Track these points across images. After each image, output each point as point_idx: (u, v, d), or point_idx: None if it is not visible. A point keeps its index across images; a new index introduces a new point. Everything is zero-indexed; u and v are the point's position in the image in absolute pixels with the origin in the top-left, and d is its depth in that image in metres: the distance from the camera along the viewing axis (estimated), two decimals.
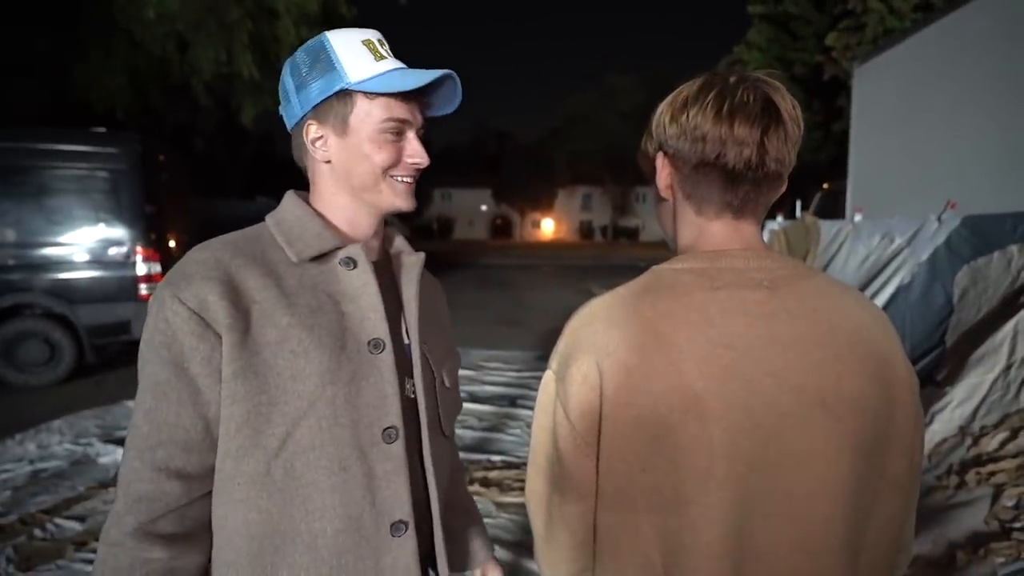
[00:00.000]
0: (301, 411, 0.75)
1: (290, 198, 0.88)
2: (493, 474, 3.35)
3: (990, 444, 2.70)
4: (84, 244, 5.36)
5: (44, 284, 5.30)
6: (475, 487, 3.15)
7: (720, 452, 0.66)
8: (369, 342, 0.81)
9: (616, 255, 29.06)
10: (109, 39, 8.44)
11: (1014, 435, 2.66)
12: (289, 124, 0.87)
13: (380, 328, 0.81)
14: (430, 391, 0.89)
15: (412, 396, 0.86)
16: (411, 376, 0.86)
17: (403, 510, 0.80)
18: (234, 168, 20.90)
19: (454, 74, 0.83)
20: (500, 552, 2.55)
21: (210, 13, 7.71)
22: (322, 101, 0.82)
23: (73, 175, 5.34)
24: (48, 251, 5.31)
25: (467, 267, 19.73)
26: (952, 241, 3.86)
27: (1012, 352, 3.00)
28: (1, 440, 3.90)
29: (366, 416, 0.79)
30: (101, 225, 5.40)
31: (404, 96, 0.81)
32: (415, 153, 0.84)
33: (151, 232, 5.52)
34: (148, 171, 5.57)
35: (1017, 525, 2.27)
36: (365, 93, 0.80)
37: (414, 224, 51.21)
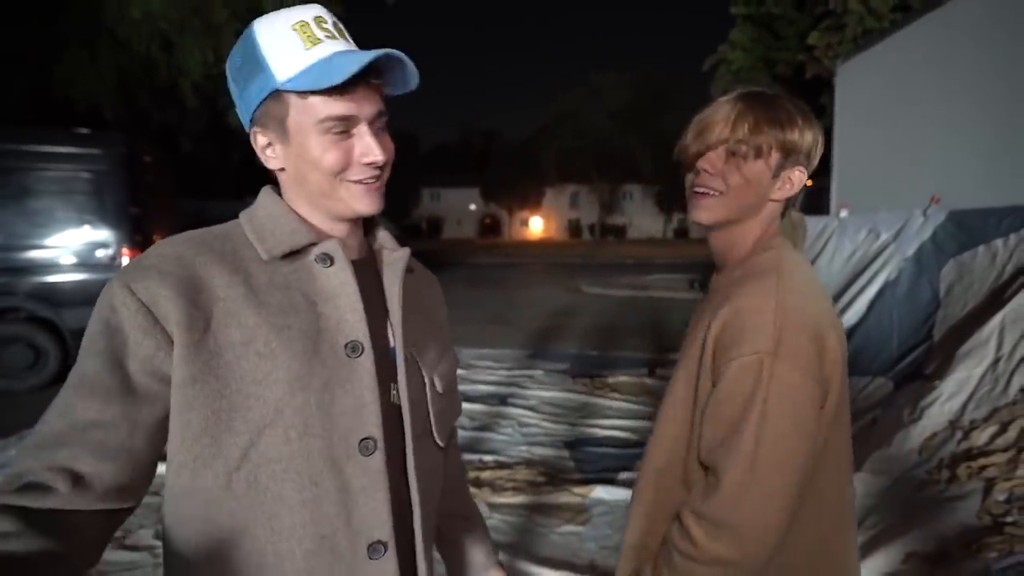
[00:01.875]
0: (267, 419, 0.68)
1: (265, 194, 0.81)
2: (486, 474, 3.30)
3: (980, 438, 2.69)
4: (69, 247, 5.25)
5: (28, 288, 5.18)
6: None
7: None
8: (346, 345, 0.73)
9: (604, 253, 29.13)
10: (93, 38, 8.26)
11: (1004, 429, 2.66)
12: (247, 131, 0.78)
13: (359, 330, 0.74)
14: (418, 397, 0.81)
15: (397, 403, 0.78)
16: (396, 381, 0.78)
17: (382, 530, 0.72)
18: (223, 169, 20.65)
19: (393, 52, 0.71)
20: None
21: (195, 14, 7.57)
22: (259, 106, 0.73)
23: (56, 176, 5.22)
24: (32, 254, 5.18)
25: (456, 266, 19.65)
26: (938, 236, 3.87)
27: (1000, 346, 3.00)
28: None
29: (341, 426, 0.71)
30: (86, 227, 5.28)
31: (344, 88, 0.69)
32: (367, 150, 0.73)
33: (137, 234, 5.41)
34: (133, 172, 5.46)
35: (1009, 519, 2.26)
36: (298, 92, 0.70)
37: (403, 224, 51.01)
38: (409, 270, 0.86)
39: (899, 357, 3.70)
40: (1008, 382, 2.84)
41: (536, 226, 54.24)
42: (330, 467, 0.70)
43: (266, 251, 0.74)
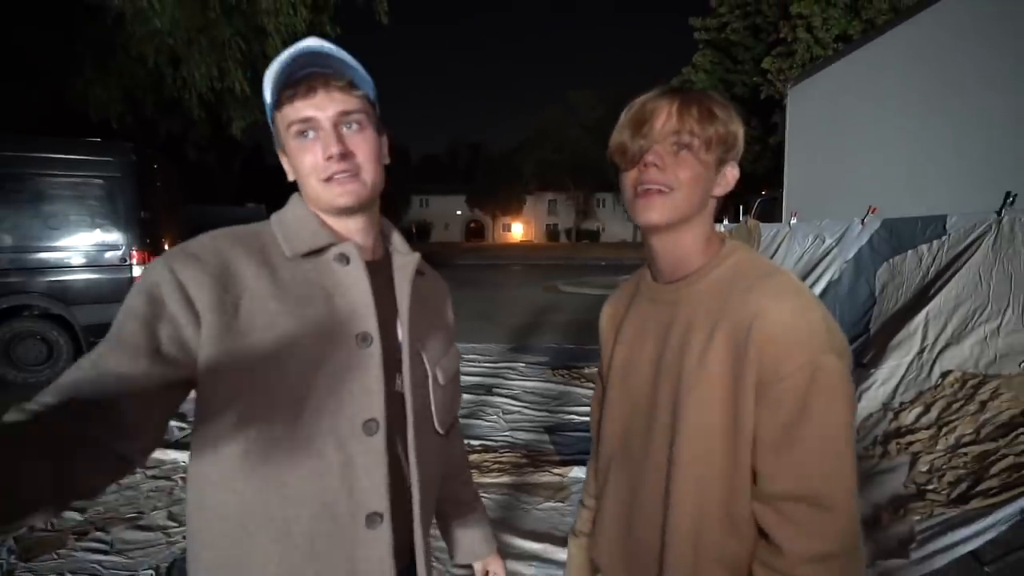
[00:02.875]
0: (282, 396, 0.70)
1: (294, 199, 0.83)
2: (473, 457, 3.33)
3: (907, 418, 2.80)
4: (81, 248, 5.14)
5: (42, 286, 5.06)
6: None
7: None
8: (357, 335, 0.75)
9: (580, 255, 29.24)
10: (105, 53, 8.08)
11: (927, 409, 2.78)
12: None
13: (369, 322, 0.76)
14: (420, 388, 0.82)
15: (401, 391, 0.80)
16: (401, 372, 0.80)
17: (380, 502, 0.74)
18: (225, 176, 20.29)
19: (310, 47, 0.72)
20: None
21: (200, 32, 7.45)
22: (272, 129, 0.79)
23: (70, 182, 5.11)
24: (46, 255, 5.07)
25: (443, 267, 19.57)
26: (874, 241, 4.01)
27: (924, 338, 3.13)
28: None
29: (348, 407, 0.73)
30: (97, 230, 5.18)
31: (305, 93, 0.72)
32: (326, 145, 0.74)
33: (146, 236, 5.33)
34: (142, 178, 5.38)
35: (930, 487, 2.37)
36: (276, 107, 0.75)
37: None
38: (420, 273, 0.88)
39: None
40: (931, 369, 2.96)
41: (517, 230, 54.21)
42: (335, 443, 0.72)
43: (290, 249, 0.76)
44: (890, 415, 2.90)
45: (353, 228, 0.81)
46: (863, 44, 6.40)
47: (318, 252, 0.77)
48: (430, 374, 0.84)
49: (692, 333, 0.76)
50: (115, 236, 5.21)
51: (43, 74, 8.09)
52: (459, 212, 53.31)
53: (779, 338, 0.68)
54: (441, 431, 0.87)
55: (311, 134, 0.74)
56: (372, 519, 0.73)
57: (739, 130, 0.78)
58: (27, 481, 0.48)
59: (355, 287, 0.77)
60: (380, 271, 0.83)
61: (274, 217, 0.82)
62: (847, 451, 0.68)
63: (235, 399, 0.69)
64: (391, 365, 0.78)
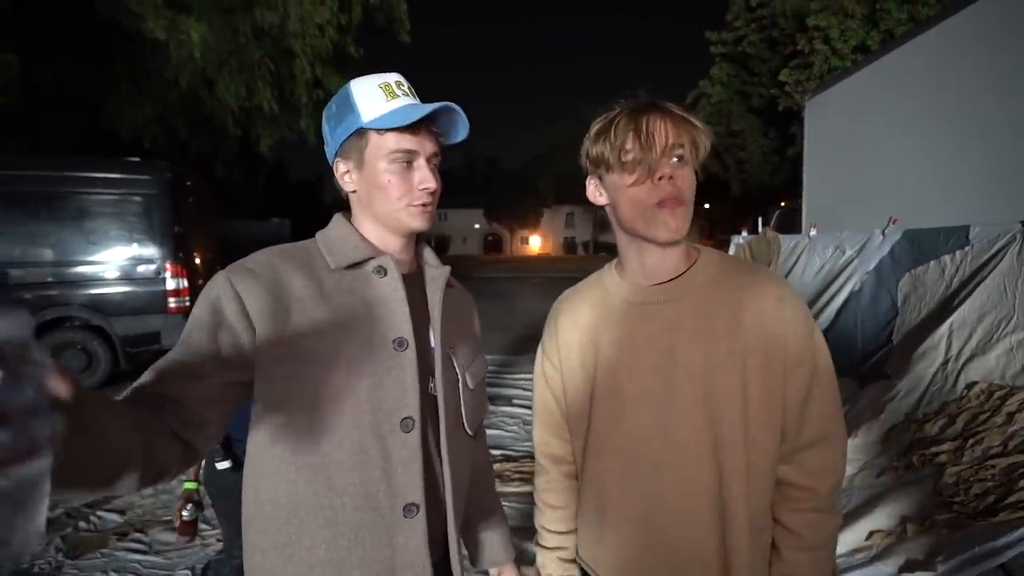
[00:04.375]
0: (328, 396, 0.76)
1: (336, 218, 0.91)
2: (495, 466, 3.37)
3: (932, 429, 2.76)
4: (118, 262, 5.36)
5: (82, 298, 5.27)
6: None
7: None
8: (394, 340, 0.81)
9: (598, 267, 29.06)
10: (139, 77, 8.45)
11: (952, 421, 2.73)
12: (330, 163, 0.90)
13: (405, 329, 0.82)
14: (451, 390, 0.88)
15: (434, 393, 0.86)
16: (434, 375, 0.86)
17: (416, 494, 0.79)
18: (249, 192, 20.79)
19: (453, 105, 0.83)
20: None
21: (231, 55, 7.75)
22: (344, 140, 0.85)
23: (109, 199, 5.34)
24: (86, 268, 5.29)
25: (462, 279, 19.39)
26: (895, 252, 3.96)
27: (948, 349, 3.08)
28: None
29: (386, 406, 0.79)
30: (134, 245, 5.39)
31: (410, 129, 0.82)
32: (424, 179, 0.84)
33: (179, 250, 5.52)
34: (176, 195, 5.58)
35: (957, 500, 2.33)
36: (376, 130, 0.82)
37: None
38: (449, 285, 0.96)
39: (863, 359, 3.77)
40: (956, 380, 2.92)
41: (535, 243, 54.31)
42: (376, 439, 0.78)
43: (334, 262, 0.84)
44: (914, 426, 2.86)
45: (399, 245, 0.89)
46: (882, 55, 6.36)
47: (359, 265, 0.85)
48: (460, 378, 0.90)
49: (710, 324, 0.82)
50: (151, 250, 5.41)
51: (82, 99, 8.48)
52: (477, 225, 53.66)
53: (797, 318, 0.82)
54: (471, 432, 0.93)
55: (406, 164, 0.83)
56: (409, 509, 0.79)
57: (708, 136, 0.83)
58: (125, 446, 0.57)
59: (393, 296, 0.83)
60: (414, 282, 0.90)
61: (319, 235, 0.90)
62: (839, 396, 0.87)
63: (286, 398, 0.76)
64: (425, 369, 0.84)
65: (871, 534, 2.30)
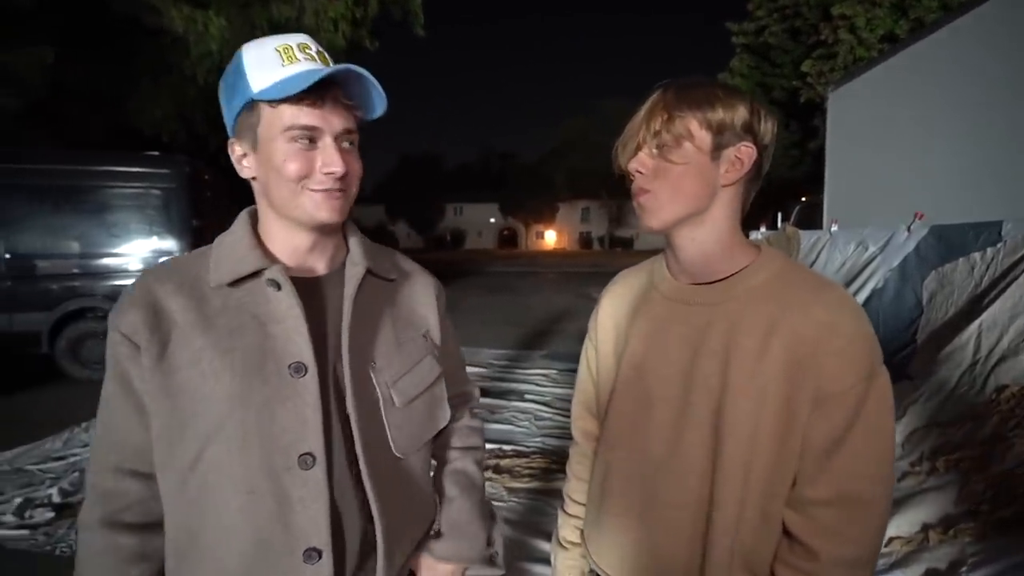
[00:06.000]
0: (209, 432, 0.69)
1: (240, 217, 0.79)
2: (505, 462, 3.35)
3: (958, 434, 2.67)
4: (139, 254, 5.45)
5: (105, 290, 5.38)
6: (488, 474, 3.16)
7: None
8: (290, 366, 0.71)
9: (613, 263, 28.96)
10: (160, 73, 8.56)
11: (980, 425, 2.64)
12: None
13: (303, 351, 0.71)
14: (370, 413, 0.76)
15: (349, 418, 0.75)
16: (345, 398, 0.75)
17: (318, 537, 0.70)
18: None
19: (357, 68, 0.68)
20: (511, 533, 2.55)
21: None
22: (237, 117, 0.72)
23: (130, 193, 5.43)
24: (108, 260, 5.39)
25: (478, 274, 19.73)
26: (921, 248, 3.84)
27: (977, 350, 2.97)
28: (68, 428, 3.95)
29: (281, 440, 0.70)
30: (154, 237, 5.48)
31: (310, 100, 0.68)
32: (329, 161, 0.70)
33: (197, 243, 5.56)
34: (195, 189, 5.66)
35: (983, 508, 2.25)
36: (268, 102, 0.69)
37: (429, 236, 51.44)
38: (385, 279, 0.83)
39: (886, 358, 3.67)
40: (984, 383, 2.81)
41: (550, 238, 54.18)
42: (267, 478, 0.69)
43: (214, 279, 0.73)
44: (937, 430, 2.76)
45: (308, 243, 0.77)
46: (911, 43, 6.15)
47: (252, 276, 0.73)
48: (382, 397, 0.78)
49: (739, 339, 0.74)
50: (169, 243, 5.49)
51: (104, 95, 8.64)
52: (492, 220, 53.68)
53: (845, 352, 0.69)
54: (400, 456, 0.80)
55: (308, 143, 0.70)
56: (310, 555, 0.70)
57: (735, 110, 0.73)
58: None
59: (288, 314, 0.72)
60: (332, 285, 0.78)
61: (217, 240, 0.78)
62: (891, 456, 0.72)
63: (167, 434, 0.70)
64: (338, 393, 0.74)
65: (890, 540, 2.23)
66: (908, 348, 3.57)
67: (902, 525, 2.28)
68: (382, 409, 0.78)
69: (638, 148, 0.77)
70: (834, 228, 5.36)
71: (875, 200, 6.24)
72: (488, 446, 3.60)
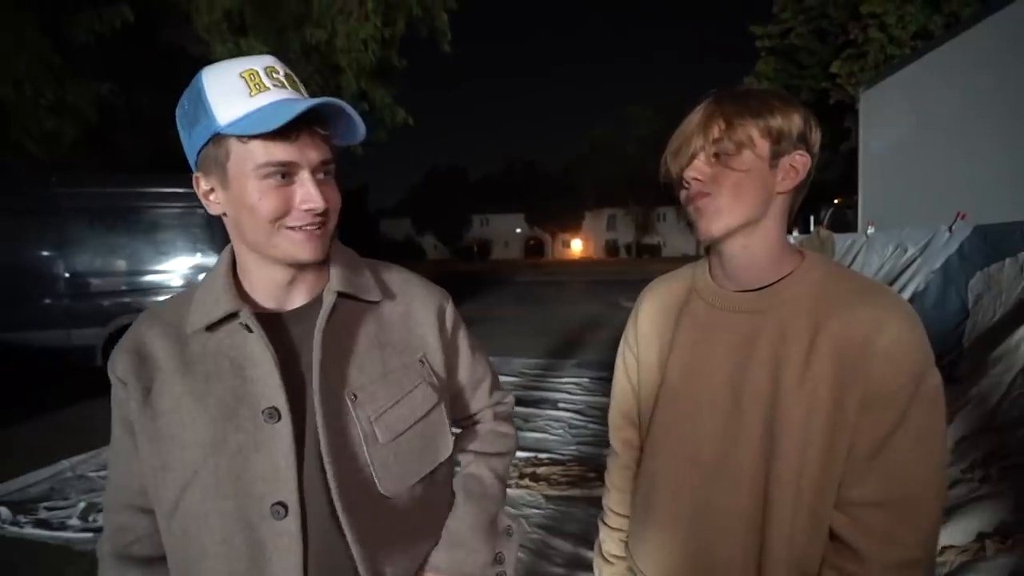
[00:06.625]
0: (186, 479, 0.68)
1: (222, 254, 0.76)
2: (541, 470, 3.37)
3: (1012, 440, 2.57)
4: (183, 271, 5.70)
5: (152, 306, 5.63)
6: (526, 481, 3.18)
7: None
8: (264, 411, 0.68)
9: (640, 270, 28.71)
10: None
11: None
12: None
13: (276, 397, 0.68)
14: (350, 454, 0.71)
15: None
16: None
17: None
18: None
19: (336, 101, 0.65)
20: (554, 541, 2.56)
21: None
22: (201, 150, 0.67)
23: (176, 213, 5.70)
24: (154, 277, 5.66)
25: (505, 284, 19.80)
26: (964, 249, 3.72)
27: None
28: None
29: (256, 489, 0.67)
30: (197, 255, 5.73)
31: (288, 134, 0.63)
32: (308, 198, 0.66)
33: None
34: None
35: None
36: (237, 137, 0.64)
37: (455, 247, 51.95)
38: (373, 302, 0.78)
39: None
40: None
41: (577, 247, 54.03)
42: (243, 527, 0.67)
43: (190, 324, 0.71)
44: (990, 435, 2.66)
45: (286, 279, 0.73)
46: (947, 39, 5.99)
47: (229, 319, 0.71)
48: (362, 434, 0.72)
49: (788, 346, 0.73)
50: (212, 259, 5.72)
51: (150, 120, 9.09)
52: (519, 230, 53.90)
53: (894, 354, 0.68)
54: (387, 495, 0.74)
55: (282, 178, 0.66)
56: None
57: (790, 119, 0.74)
58: None
59: (261, 358, 0.69)
60: (312, 318, 0.73)
61: (201, 278, 0.77)
62: (942, 458, 0.70)
63: (151, 477, 0.71)
64: (315, 437, 0.70)
65: (944, 550, 2.16)
66: (954, 352, 3.45)
67: (955, 534, 2.21)
68: (364, 447, 0.72)
69: (693, 156, 0.76)
70: (871, 230, 5.23)
71: (912, 201, 6.06)
72: (524, 454, 3.62)
